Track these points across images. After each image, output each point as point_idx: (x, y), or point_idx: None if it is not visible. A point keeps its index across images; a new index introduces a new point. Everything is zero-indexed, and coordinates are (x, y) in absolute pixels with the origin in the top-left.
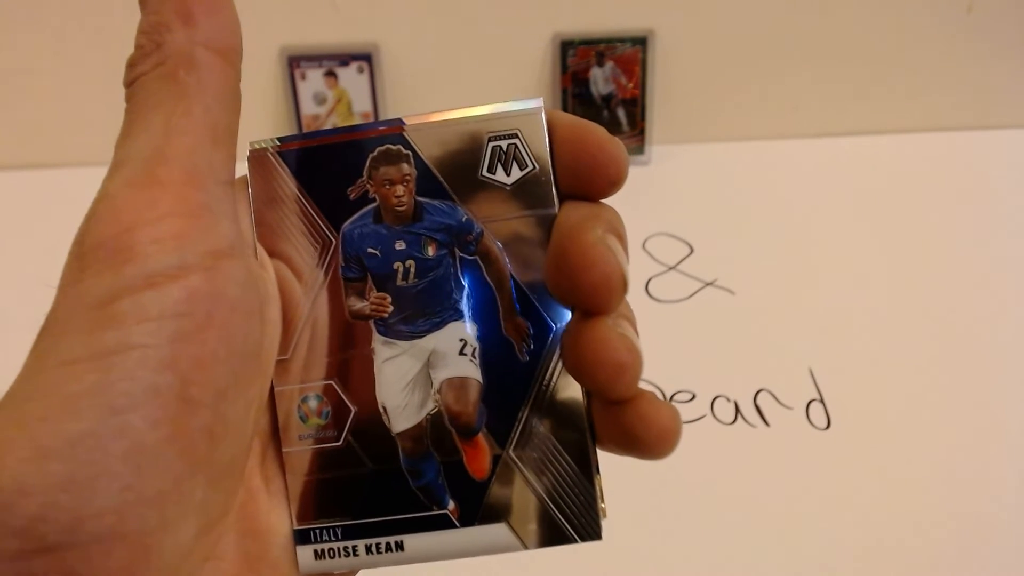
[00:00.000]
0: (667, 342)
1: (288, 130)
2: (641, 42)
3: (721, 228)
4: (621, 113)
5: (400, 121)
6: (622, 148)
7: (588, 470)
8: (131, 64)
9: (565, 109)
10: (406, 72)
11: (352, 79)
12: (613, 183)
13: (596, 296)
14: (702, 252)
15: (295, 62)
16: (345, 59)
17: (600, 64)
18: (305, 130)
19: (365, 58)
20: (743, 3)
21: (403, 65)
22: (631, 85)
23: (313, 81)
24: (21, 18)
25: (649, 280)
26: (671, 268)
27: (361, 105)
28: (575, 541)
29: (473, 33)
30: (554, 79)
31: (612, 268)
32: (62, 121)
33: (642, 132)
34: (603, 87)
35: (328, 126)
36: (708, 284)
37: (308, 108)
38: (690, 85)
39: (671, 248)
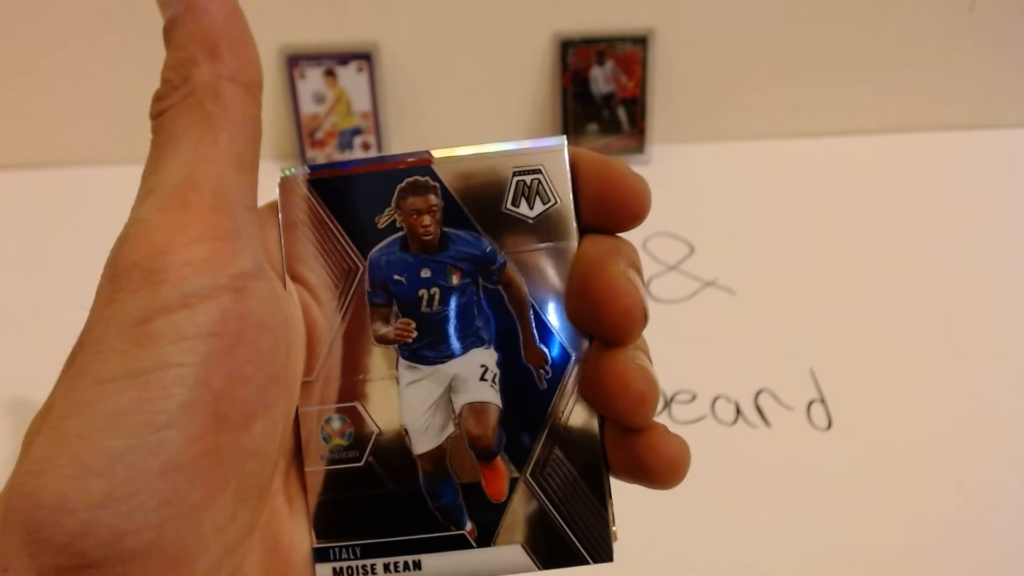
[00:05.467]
0: (667, 342)
1: (288, 129)
2: (642, 41)
3: (722, 228)
4: (621, 112)
5: (428, 153)
6: (645, 183)
7: (601, 494)
8: (158, 97)
9: (565, 108)
10: (406, 71)
11: (351, 78)
12: (636, 217)
13: (618, 327)
14: (703, 252)
15: (294, 61)
16: (344, 58)
17: (600, 63)
18: (304, 129)
19: (364, 57)
20: (744, 2)
21: (403, 64)
22: (632, 84)
23: (312, 80)
24: (21, 18)
25: (650, 280)
26: (672, 268)
27: (360, 104)
28: (588, 563)
29: (473, 32)
30: (554, 78)
31: (634, 301)
32: (62, 121)
33: (642, 131)
34: (603, 86)
35: (328, 125)
36: (709, 284)
37: (307, 107)
38: (691, 84)
39: (672, 248)
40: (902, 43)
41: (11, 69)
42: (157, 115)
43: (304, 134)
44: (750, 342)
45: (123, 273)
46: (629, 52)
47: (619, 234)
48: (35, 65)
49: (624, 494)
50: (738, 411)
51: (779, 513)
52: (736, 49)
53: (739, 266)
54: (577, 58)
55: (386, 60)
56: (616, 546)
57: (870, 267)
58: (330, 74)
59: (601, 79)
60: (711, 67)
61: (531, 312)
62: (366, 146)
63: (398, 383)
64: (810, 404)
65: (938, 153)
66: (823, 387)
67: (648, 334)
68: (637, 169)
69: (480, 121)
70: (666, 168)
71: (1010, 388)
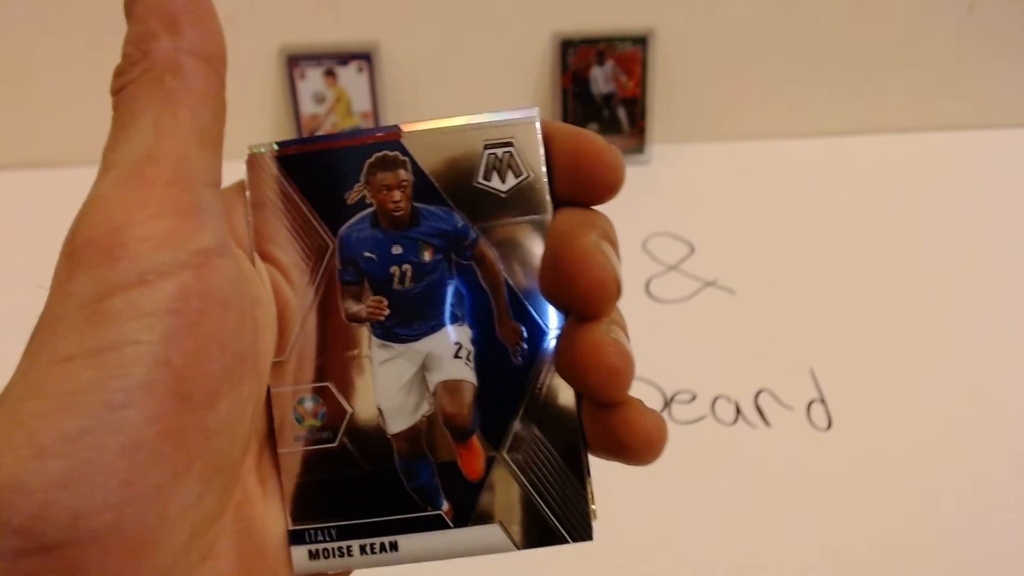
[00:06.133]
0: (667, 342)
1: (288, 130)
2: (641, 41)
3: (721, 228)
4: (621, 112)
5: (397, 128)
6: (619, 155)
7: (579, 472)
8: (118, 72)
9: (565, 108)
10: (406, 71)
11: (351, 78)
12: (610, 189)
13: (591, 300)
14: (702, 252)
15: (294, 61)
16: (344, 58)
17: (600, 63)
18: (304, 130)
19: (364, 57)
20: (744, 2)
21: (403, 64)
22: (631, 84)
23: (312, 80)
24: (21, 18)
25: (649, 280)
26: (671, 268)
27: (360, 104)
28: (566, 542)
29: (473, 32)
30: (554, 78)
31: (607, 273)
32: (62, 121)
33: (642, 131)
34: (603, 86)
35: (328, 125)
36: (708, 284)
37: (307, 107)
38: (690, 84)
39: (671, 248)
40: (902, 43)
41: (10, 69)
42: (117, 91)
43: (304, 134)
44: (750, 342)
45: (80, 250)
46: (629, 52)
47: (594, 207)
48: (34, 65)
49: (625, 495)
50: (738, 411)
51: (779, 513)
52: (736, 49)
53: (739, 266)
54: (577, 58)
55: (386, 60)
56: (599, 524)
57: (870, 267)
58: (330, 74)
59: (601, 79)
60: (711, 67)
61: (505, 288)
62: None
63: (371, 362)
64: (810, 404)
65: (938, 153)
66: (823, 387)
67: (648, 334)
68: (637, 169)
69: None
70: (666, 168)
71: (1010, 388)
